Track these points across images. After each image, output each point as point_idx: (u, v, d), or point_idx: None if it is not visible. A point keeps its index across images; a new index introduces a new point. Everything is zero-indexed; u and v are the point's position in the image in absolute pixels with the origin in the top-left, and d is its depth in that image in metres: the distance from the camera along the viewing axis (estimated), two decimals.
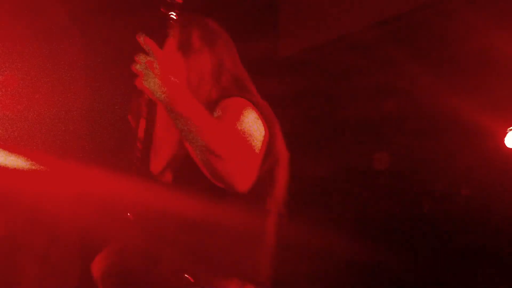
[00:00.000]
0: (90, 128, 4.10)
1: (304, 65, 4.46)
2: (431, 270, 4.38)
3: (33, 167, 3.80)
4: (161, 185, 2.37)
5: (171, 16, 2.24)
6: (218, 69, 2.46)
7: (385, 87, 4.21)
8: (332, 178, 4.40)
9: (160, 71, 2.00)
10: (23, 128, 3.98)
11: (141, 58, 2.02)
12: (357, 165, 4.37)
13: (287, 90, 4.45)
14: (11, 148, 3.75)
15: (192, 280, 2.21)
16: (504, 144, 4.34)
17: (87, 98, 3.93)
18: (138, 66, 2.03)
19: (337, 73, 4.35)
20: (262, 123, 2.31)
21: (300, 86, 4.44)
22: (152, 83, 2.01)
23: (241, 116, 2.26)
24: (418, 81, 4.19)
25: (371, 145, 4.39)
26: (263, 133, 2.29)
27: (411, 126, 4.32)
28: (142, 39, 2.02)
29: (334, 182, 4.46)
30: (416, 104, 4.28)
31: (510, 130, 4.35)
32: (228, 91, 2.41)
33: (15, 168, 3.73)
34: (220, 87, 2.44)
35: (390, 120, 4.29)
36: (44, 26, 4.11)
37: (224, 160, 2.05)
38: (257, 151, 2.25)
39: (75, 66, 3.91)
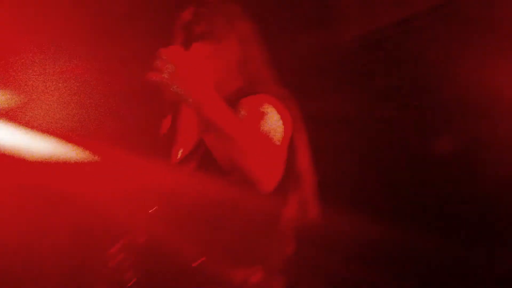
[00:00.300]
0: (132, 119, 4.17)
1: (365, 50, 4.40)
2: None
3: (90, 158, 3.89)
4: (182, 173, 2.40)
5: None
6: (244, 58, 2.49)
7: (447, 72, 4.08)
8: (397, 166, 4.33)
9: (184, 75, 1.99)
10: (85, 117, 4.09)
11: (165, 63, 2.00)
12: (419, 152, 4.28)
13: (347, 75, 4.45)
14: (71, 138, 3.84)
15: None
16: None
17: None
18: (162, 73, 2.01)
19: (398, 58, 4.25)
20: (286, 119, 2.34)
21: (360, 71, 4.40)
22: (177, 86, 2.00)
23: (265, 116, 2.27)
24: (485, 63, 4.06)
25: (434, 130, 4.27)
26: (286, 130, 2.32)
27: (477, 111, 4.18)
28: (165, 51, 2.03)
29: (398, 170, 4.38)
30: (483, 87, 4.15)
31: None
32: (253, 81, 2.46)
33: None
34: (246, 76, 2.48)
35: (455, 106, 4.16)
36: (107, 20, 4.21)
37: (250, 164, 2.08)
38: (281, 151, 2.28)
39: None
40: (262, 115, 2.27)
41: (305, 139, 2.43)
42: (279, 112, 2.32)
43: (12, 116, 3.78)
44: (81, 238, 4.27)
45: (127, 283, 2.32)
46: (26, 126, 3.72)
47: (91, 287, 3.90)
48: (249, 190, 2.19)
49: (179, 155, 2.46)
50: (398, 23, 4.23)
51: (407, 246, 4.18)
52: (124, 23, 4.15)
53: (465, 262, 4.07)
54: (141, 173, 2.50)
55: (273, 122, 2.28)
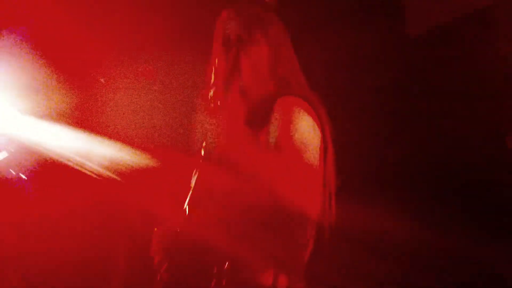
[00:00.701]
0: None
1: (433, 45, 4.17)
2: None
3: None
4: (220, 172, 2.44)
5: None
6: (275, 61, 2.53)
7: None
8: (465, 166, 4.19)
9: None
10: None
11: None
12: (492, 152, 4.11)
13: (415, 71, 4.28)
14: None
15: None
16: None
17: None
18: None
19: (467, 52, 4.05)
20: (316, 124, 2.41)
21: (428, 66, 4.21)
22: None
23: (298, 122, 2.33)
24: None
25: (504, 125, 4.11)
26: (319, 138, 2.41)
27: None
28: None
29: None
30: None
31: None
32: (284, 83, 2.50)
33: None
34: (277, 78, 2.51)
35: None
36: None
37: (286, 193, 2.19)
38: (316, 164, 2.36)
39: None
40: (294, 121, 2.33)
41: (331, 141, 2.48)
42: (310, 115, 2.39)
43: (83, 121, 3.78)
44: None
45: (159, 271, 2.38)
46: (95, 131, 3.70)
47: None
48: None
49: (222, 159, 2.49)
50: (472, 15, 4.01)
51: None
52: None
53: None
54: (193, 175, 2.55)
55: (305, 127, 2.35)
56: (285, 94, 2.41)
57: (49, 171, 3.74)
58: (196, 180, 2.45)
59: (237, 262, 2.30)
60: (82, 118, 3.77)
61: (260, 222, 2.29)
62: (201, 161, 2.47)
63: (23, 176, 3.71)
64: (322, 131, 2.42)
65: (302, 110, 2.36)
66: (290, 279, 2.32)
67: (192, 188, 2.44)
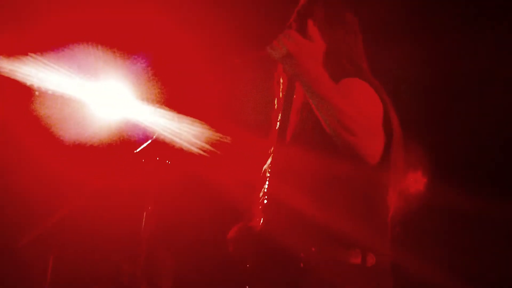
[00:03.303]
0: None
1: None
2: None
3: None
4: (293, 152, 2.55)
5: None
6: (339, 49, 2.63)
7: None
8: None
9: (299, 55, 2.24)
10: None
11: (282, 40, 2.27)
12: None
13: None
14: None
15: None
16: None
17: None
18: (279, 48, 2.28)
19: None
20: (378, 100, 2.49)
21: None
22: (291, 66, 2.26)
23: (363, 95, 2.45)
24: None
25: None
26: (381, 109, 2.48)
27: None
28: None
29: None
30: None
31: None
32: (347, 70, 2.58)
33: None
34: (340, 65, 2.60)
35: None
36: None
37: (356, 135, 2.26)
38: (380, 126, 2.43)
39: None
40: (360, 93, 2.45)
41: (397, 124, 2.53)
42: (373, 92, 2.49)
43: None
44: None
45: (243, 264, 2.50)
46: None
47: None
48: (356, 163, 2.36)
49: (286, 134, 2.60)
50: None
51: None
52: None
53: None
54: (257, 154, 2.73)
55: (370, 100, 2.46)
56: (352, 76, 2.54)
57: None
58: (273, 162, 2.58)
59: (324, 244, 2.40)
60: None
61: (344, 203, 2.41)
62: (276, 142, 2.58)
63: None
64: (384, 111, 2.50)
65: (364, 86, 2.50)
66: (377, 255, 2.41)
67: (270, 170, 2.57)
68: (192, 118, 4.02)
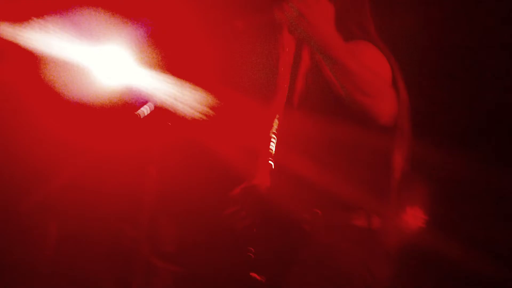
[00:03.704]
0: None
1: None
2: None
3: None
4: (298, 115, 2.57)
5: None
6: (347, 13, 2.60)
7: None
8: None
9: (311, 17, 2.21)
10: None
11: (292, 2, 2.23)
12: None
13: None
14: None
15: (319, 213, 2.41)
16: None
17: None
18: (290, 11, 2.24)
19: None
20: (387, 63, 2.49)
21: None
22: (304, 29, 2.22)
23: (374, 56, 2.46)
24: None
25: None
26: (390, 72, 2.48)
27: None
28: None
29: None
30: None
31: None
32: (355, 34, 2.57)
33: None
34: (348, 29, 2.56)
35: None
36: None
37: (371, 97, 2.26)
38: (391, 87, 2.43)
39: None
40: (370, 56, 2.45)
41: (403, 87, 2.53)
42: (379, 55, 2.50)
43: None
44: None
45: (245, 230, 2.51)
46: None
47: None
48: (363, 127, 2.37)
49: (293, 100, 2.60)
50: None
51: None
52: None
53: None
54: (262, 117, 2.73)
55: (380, 62, 2.47)
56: (353, 39, 2.52)
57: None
58: (279, 127, 2.58)
59: (328, 207, 2.41)
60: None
61: (348, 166, 2.42)
62: (282, 108, 2.58)
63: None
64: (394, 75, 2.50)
65: (371, 48, 2.50)
66: (381, 218, 2.44)
67: (275, 137, 2.57)
68: (193, 84, 4.04)
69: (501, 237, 4.33)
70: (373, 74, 2.28)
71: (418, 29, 4.32)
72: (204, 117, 4.17)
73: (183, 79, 4.01)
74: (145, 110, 3.71)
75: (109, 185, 5.07)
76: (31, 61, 4.42)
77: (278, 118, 2.60)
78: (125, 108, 4.56)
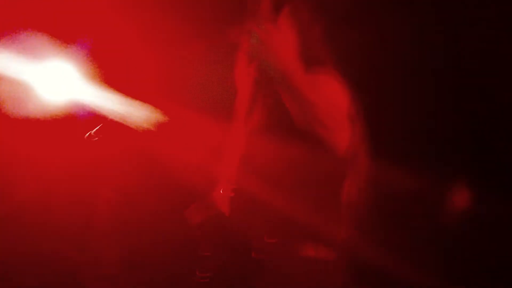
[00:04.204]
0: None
1: None
2: None
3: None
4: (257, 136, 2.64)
5: None
6: (305, 39, 2.62)
7: None
8: None
9: (271, 45, 2.32)
10: None
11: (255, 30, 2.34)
12: None
13: None
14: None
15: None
16: None
17: None
18: (251, 37, 2.35)
19: None
20: (345, 92, 2.55)
21: None
22: (264, 56, 2.33)
23: (331, 86, 2.51)
24: None
25: None
26: (347, 101, 2.54)
27: None
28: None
29: None
30: None
31: None
32: (312, 59, 2.59)
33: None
34: (306, 55, 2.60)
35: None
36: None
37: (327, 128, 2.36)
38: (347, 118, 2.50)
39: None
40: (328, 83, 2.53)
41: (361, 117, 2.60)
42: (337, 87, 2.55)
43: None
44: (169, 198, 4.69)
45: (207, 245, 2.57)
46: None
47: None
48: (323, 150, 2.43)
49: (251, 120, 2.67)
50: None
51: None
52: None
53: None
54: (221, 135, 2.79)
55: (337, 91, 2.53)
56: (317, 65, 2.57)
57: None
58: (232, 145, 2.66)
59: (280, 234, 2.49)
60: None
61: (302, 193, 2.47)
62: (238, 126, 2.66)
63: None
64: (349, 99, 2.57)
65: (326, 78, 2.56)
66: (330, 248, 2.51)
67: (229, 154, 2.65)
68: (140, 100, 4.04)
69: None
70: (331, 106, 2.36)
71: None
72: (152, 133, 4.16)
73: (130, 95, 4.02)
74: (94, 131, 3.68)
75: (54, 206, 4.99)
76: None
77: (236, 141, 2.66)
78: (71, 124, 4.55)
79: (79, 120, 4.47)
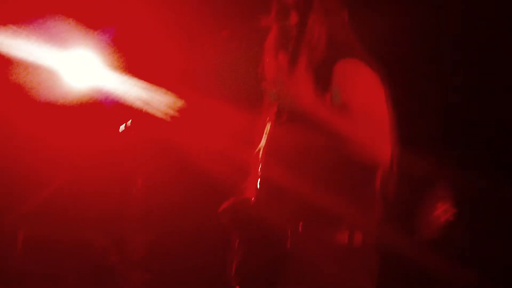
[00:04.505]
0: None
1: None
2: None
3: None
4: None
5: None
6: (332, 32, 2.60)
7: None
8: None
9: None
10: None
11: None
12: None
13: None
14: None
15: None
16: None
17: None
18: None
19: None
20: (380, 83, 2.50)
21: None
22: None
23: (360, 84, 2.46)
24: None
25: None
26: (383, 96, 2.48)
27: None
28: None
29: None
30: None
31: None
32: (342, 48, 2.57)
33: None
34: (334, 44, 2.59)
35: None
36: None
37: (368, 153, 2.33)
38: (385, 121, 2.44)
39: None
40: (356, 81, 2.47)
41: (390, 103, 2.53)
42: (370, 75, 2.49)
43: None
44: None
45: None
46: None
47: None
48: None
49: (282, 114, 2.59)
50: None
51: None
52: None
53: None
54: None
55: (368, 88, 2.47)
56: (343, 57, 2.52)
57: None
58: (266, 141, 2.59)
59: (311, 222, 2.41)
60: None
61: (332, 180, 2.43)
62: (270, 122, 2.60)
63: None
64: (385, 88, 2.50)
65: (362, 69, 2.49)
66: (364, 235, 2.44)
67: (263, 150, 2.58)
68: (165, 88, 4.05)
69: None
70: (367, 127, 2.32)
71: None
72: (178, 122, 4.17)
73: (154, 83, 4.03)
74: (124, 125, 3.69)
75: (79, 193, 5.04)
76: (1, 64, 4.42)
77: (267, 131, 2.62)
78: (96, 111, 4.59)
79: (104, 108, 4.53)
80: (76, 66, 4.37)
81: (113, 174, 4.76)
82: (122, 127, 3.54)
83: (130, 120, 3.55)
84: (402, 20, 4.30)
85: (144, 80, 4.04)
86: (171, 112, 4.09)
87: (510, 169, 4.39)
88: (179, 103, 4.11)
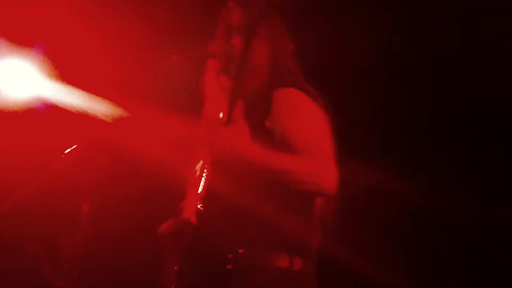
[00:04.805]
0: None
1: None
2: None
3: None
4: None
5: None
6: (274, 58, 2.64)
7: None
8: None
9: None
10: None
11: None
12: None
13: None
14: None
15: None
16: None
17: None
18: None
19: None
20: (321, 112, 2.52)
21: None
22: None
23: (301, 108, 2.48)
24: None
25: None
26: (327, 123, 2.51)
27: None
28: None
29: None
30: None
31: None
32: (282, 78, 2.59)
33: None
34: (275, 71, 2.62)
35: None
36: None
37: (314, 184, 2.34)
38: (330, 147, 2.44)
39: None
40: (297, 108, 2.48)
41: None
42: (310, 105, 2.50)
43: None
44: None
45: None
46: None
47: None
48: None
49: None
50: None
51: None
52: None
53: None
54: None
55: (311, 111, 2.49)
56: (284, 85, 2.52)
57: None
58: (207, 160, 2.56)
59: (252, 245, 2.44)
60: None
61: (273, 205, 2.42)
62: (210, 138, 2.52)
63: None
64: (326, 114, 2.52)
65: (302, 99, 2.49)
66: (303, 259, 2.46)
67: (207, 168, 2.55)
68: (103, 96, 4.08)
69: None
70: (308, 157, 2.33)
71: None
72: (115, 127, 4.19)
73: (90, 91, 4.06)
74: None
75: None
76: None
77: (205, 149, 2.59)
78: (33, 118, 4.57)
79: (41, 116, 4.52)
80: (11, 76, 4.37)
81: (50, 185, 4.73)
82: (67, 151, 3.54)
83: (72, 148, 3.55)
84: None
85: (81, 89, 4.09)
86: (109, 119, 4.12)
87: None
88: (117, 111, 4.14)
